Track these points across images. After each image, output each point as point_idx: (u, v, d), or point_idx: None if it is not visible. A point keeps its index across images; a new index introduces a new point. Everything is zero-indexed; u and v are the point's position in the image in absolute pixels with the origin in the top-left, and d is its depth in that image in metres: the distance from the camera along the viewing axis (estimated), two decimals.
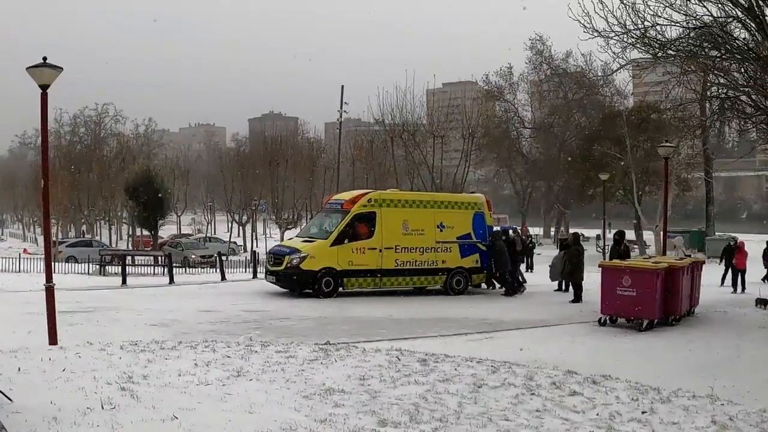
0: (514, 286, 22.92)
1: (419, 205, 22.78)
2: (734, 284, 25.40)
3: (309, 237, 22.58)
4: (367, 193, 22.74)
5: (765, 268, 29.99)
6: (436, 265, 22.33)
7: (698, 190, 56.03)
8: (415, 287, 22.49)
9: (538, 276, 27.39)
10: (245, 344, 11.17)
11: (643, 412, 8.03)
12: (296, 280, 20.79)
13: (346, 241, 21.06)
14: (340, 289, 20.96)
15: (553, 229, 75.50)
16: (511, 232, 26.43)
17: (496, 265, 22.99)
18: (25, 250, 48.56)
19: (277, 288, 21.53)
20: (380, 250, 21.44)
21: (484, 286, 23.72)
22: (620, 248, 20.67)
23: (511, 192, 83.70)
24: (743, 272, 25.48)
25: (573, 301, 20.46)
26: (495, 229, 24.67)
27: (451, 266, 22.55)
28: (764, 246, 31.03)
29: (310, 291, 20.60)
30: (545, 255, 35.77)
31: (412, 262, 21.96)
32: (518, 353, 12.23)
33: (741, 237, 37.71)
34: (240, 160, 75.34)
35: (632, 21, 17.24)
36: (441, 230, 22.41)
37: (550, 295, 22.42)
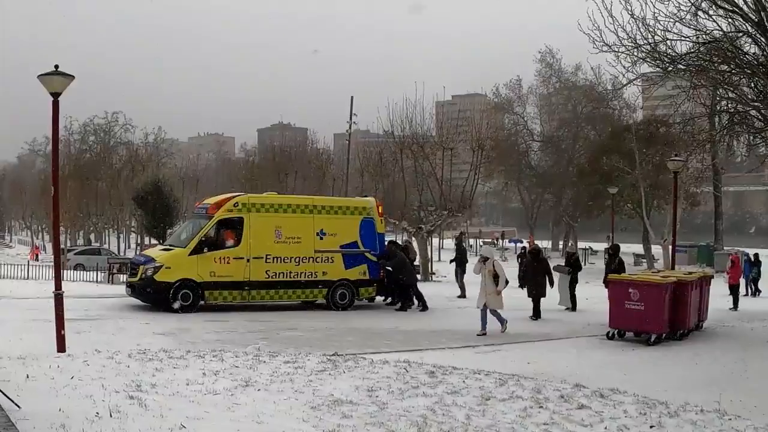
0: (422, 301, 21.22)
1: (295, 210, 20.55)
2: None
3: (171, 245, 21.05)
4: (233, 197, 20.61)
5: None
6: (316, 277, 20.28)
7: (707, 204, 55.89)
8: (291, 302, 20.47)
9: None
10: (253, 354, 11.18)
11: (651, 427, 8.00)
12: (150, 293, 18.94)
13: (205, 250, 19.07)
14: (202, 303, 18.97)
15: (561, 242, 75.35)
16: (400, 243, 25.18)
17: (405, 277, 21.23)
18: (31, 256, 48.77)
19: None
20: (248, 260, 19.44)
21: (381, 299, 22.02)
22: (615, 262, 20.23)
23: (520, 205, 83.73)
24: (737, 288, 25.28)
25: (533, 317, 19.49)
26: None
27: (334, 278, 20.48)
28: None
29: (169, 305, 18.59)
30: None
31: (286, 274, 19.91)
32: (526, 366, 12.24)
33: (750, 252, 37.72)
34: (249, 170, 75.52)
35: (642, 35, 17.24)
36: (321, 238, 20.34)
37: (554, 309, 21.65)
